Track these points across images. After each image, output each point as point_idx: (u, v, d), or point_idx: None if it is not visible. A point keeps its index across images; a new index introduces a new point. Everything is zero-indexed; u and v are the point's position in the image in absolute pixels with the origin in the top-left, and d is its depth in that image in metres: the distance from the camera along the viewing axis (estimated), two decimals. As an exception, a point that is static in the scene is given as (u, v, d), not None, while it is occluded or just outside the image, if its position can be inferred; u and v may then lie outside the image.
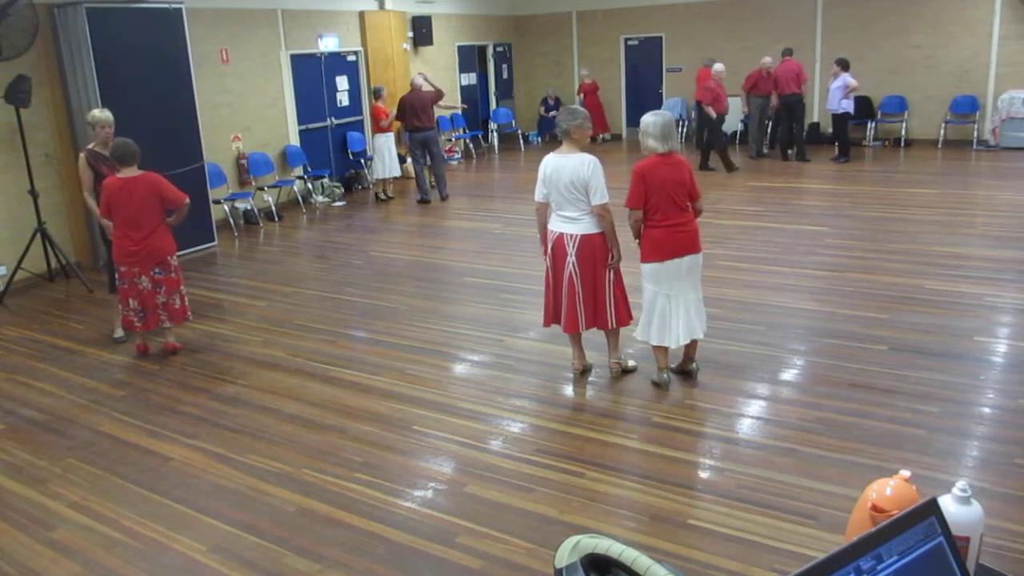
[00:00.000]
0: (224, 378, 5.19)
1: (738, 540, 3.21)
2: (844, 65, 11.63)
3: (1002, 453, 3.79)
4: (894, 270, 6.66)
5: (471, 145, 15.24)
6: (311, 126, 11.30)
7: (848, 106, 11.70)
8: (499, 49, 16.14)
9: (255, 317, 6.38)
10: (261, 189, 10.16)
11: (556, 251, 4.60)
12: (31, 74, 7.26)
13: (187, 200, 5.44)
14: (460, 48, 14.73)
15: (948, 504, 1.28)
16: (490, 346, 5.53)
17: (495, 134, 15.67)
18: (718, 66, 11.84)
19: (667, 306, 4.53)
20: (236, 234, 9.45)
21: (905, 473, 1.35)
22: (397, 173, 11.36)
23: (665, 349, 4.64)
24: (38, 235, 7.38)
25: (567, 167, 4.44)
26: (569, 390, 4.81)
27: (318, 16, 11.22)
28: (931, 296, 5.99)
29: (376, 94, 11.09)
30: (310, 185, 11.10)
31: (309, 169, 11.08)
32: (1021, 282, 6.22)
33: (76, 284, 7.54)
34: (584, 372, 4.90)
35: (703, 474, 3.79)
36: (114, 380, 5.27)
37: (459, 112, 14.23)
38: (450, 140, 14.44)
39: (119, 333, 5.91)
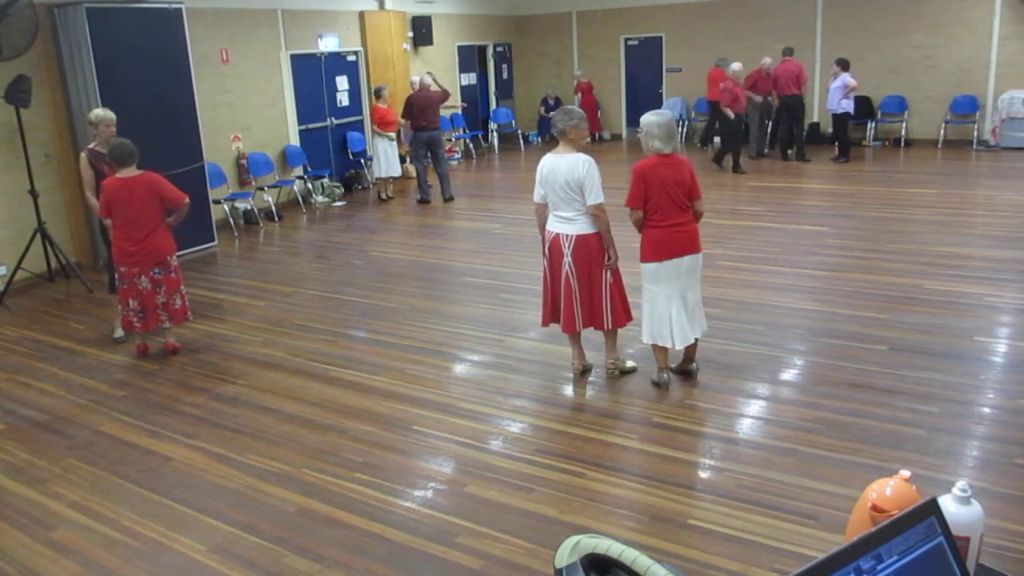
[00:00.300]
0: (224, 378, 5.19)
1: (738, 540, 3.21)
2: (844, 65, 11.63)
3: (1002, 453, 3.79)
4: (894, 270, 6.66)
5: (471, 145, 15.25)
6: (311, 126, 11.30)
7: (848, 106, 11.70)
8: (499, 49, 16.14)
9: (255, 317, 6.38)
10: (261, 189, 10.16)
11: (553, 251, 4.60)
12: (31, 74, 7.26)
13: (187, 200, 5.44)
14: (460, 48, 14.74)
15: (948, 504, 1.28)
16: (490, 346, 5.53)
17: (495, 134, 15.68)
18: (736, 65, 11.72)
19: (667, 306, 4.52)
20: (236, 234, 9.45)
21: (905, 473, 1.35)
22: (397, 173, 11.36)
23: (665, 349, 4.64)
24: (38, 235, 7.38)
25: (563, 167, 4.44)
26: (569, 390, 4.81)
27: (318, 16, 11.22)
28: (931, 296, 5.99)
29: (377, 93, 11.10)
30: (310, 185, 11.10)
31: (309, 169, 11.08)
32: (1021, 282, 6.22)
33: (76, 284, 7.54)
34: (584, 372, 4.89)
35: (703, 474, 3.79)
36: (114, 380, 5.27)
37: (459, 112, 14.24)
38: (450, 140, 14.43)
39: (119, 333, 5.91)
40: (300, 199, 10.83)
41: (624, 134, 15.93)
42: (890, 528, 1.05)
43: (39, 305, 7.03)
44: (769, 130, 12.99)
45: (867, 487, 1.36)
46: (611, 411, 4.49)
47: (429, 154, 10.61)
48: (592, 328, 4.73)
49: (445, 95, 10.71)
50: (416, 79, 11.89)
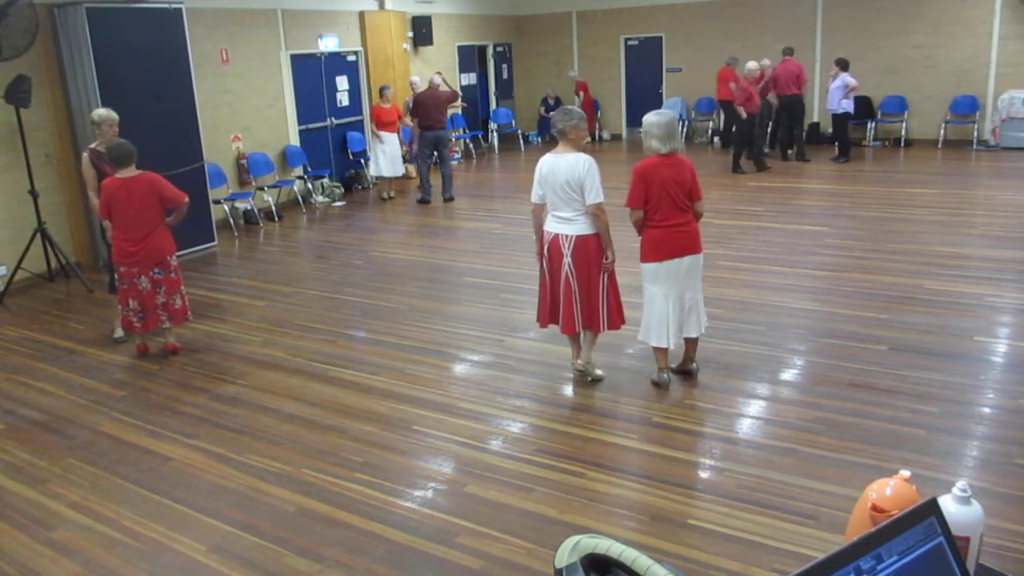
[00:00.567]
0: (224, 378, 5.19)
1: (738, 540, 3.21)
2: (844, 65, 11.63)
3: (1002, 453, 3.79)
4: (894, 270, 6.66)
5: (471, 145, 15.24)
6: (311, 126, 11.30)
7: (848, 106, 11.70)
8: (499, 49, 16.14)
9: (255, 317, 6.38)
10: (261, 189, 10.16)
11: (552, 252, 4.58)
12: (31, 74, 7.26)
13: (186, 199, 5.44)
14: (460, 48, 14.74)
15: (948, 504, 1.28)
16: (490, 346, 5.53)
17: (495, 134, 15.68)
18: (751, 64, 11.59)
19: (666, 306, 4.52)
20: (236, 234, 9.45)
21: (905, 473, 1.35)
22: (400, 173, 11.37)
23: (665, 349, 4.64)
24: (38, 235, 7.38)
25: (563, 167, 4.43)
26: (569, 390, 4.80)
27: (318, 16, 11.22)
28: (931, 296, 5.99)
29: (380, 93, 11.13)
30: (310, 185, 11.10)
31: (309, 169, 11.08)
32: (1021, 282, 6.22)
33: (76, 284, 7.54)
34: (584, 372, 4.89)
35: (703, 474, 3.79)
36: (114, 380, 5.27)
37: (459, 111, 14.24)
38: (450, 140, 14.43)
39: (119, 333, 5.91)
40: (300, 199, 10.83)
41: (624, 134, 15.93)
42: (890, 528, 1.05)
43: (39, 305, 7.03)
44: (769, 130, 12.98)
45: (867, 487, 1.36)
46: (611, 411, 4.49)
47: (435, 153, 10.62)
48: (590, 329, 4.72)
49: (454, 96, 10.76)
50: (416, 79, 11.91)
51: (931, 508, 1.10)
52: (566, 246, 4.49)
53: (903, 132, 13.19)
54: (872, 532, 1.04)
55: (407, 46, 13.06)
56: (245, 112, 10.14)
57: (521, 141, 15.77)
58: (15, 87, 7.02)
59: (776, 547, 3.16)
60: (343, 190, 11.52)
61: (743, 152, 11.67)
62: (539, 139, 15.99)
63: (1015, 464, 3.69)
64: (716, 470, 3.80)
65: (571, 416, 4.46)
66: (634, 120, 15.00)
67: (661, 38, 15.18)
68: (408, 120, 11.16)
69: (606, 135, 15.98)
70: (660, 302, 4.53)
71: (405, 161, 11.79)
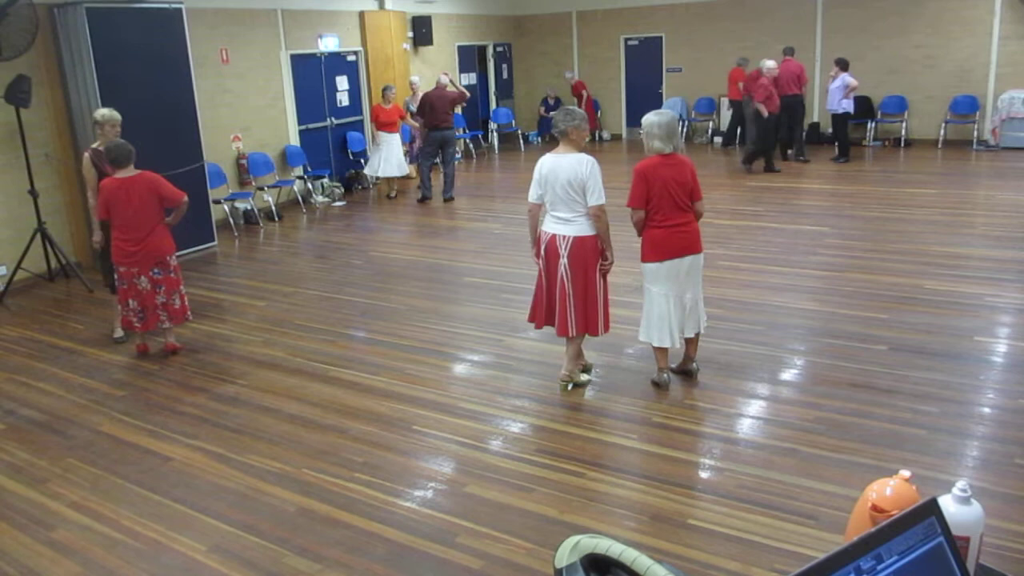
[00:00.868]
0: (224, 378, 5.19)
1: (738, 540, 3.21)
2: (843, 65, 11.62)
3: (1002, 453, 3.79)
4: (894, 270, 6.66)
5: (471, 145, 15.24)
6: (311, 126, 11.30)
7: (848, 106, 11.70)
8: (499, 49, 16.14)
9: (255, 317, 6.38)
10: (261, 189, 10.16)
11: (549, 253, 4.54)
12: (31, 74, 7.26)
13: (185, 198, 5.44)
14: (460, 48, 14.73)
15: (948, 504, 1.27)
16: (490, 346, 5.53)
17: (495, 134, 15.68)
18: (770, 63, 11.46)
19: (667, 306, 4.52)
20: (236, 234, 9.45)
21: (905, 473, 1.35)
22: (405, 172, 11.37)
23: (665, 349, 4.64)
24: (38, 235, 7.38)
25: (564, 167, 4.41)
26: (569, 390, 4.80)
27: (318, 16, 11.22)
28: (931, 296, 5.99)
29: (382, 93, 11.13)
30: (310, 185, 11.10)
31: (309, 169, 11.08)
32: (1021, 282, 6.22)
33: (76, 284, 7.54)
34: (584, 371, 4.88)
35: (703, 474, 3.79)
36: (114, 380, 5.27)
37: (459, 111, 14.23)
38: (456, 140, 14.42)
39: (119, 333, 5.91)
40: (300, 199, 10.83)
41: (624, 134, 15.93)
42: (890, 528, 1.05)
43: (39, 305, 7.03)
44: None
45: (867, 487, 1.36)
46: (611, 411, 4.49)
47: (440, 153, 10.62)
48: (588, 333, 4.67)
49: (461, 96, 10.76)
50: (416, 79, 11.93)
51: (931, 508, 1.10)
52: (563, 247, 4.46)
53: (903, 132, 13.19)
54: (872, 532, 1.04)
55: (407, 46, 13.06)
56: (245, 112, 10.14)
57: (521, 141, 15.77)
58: (15, 87, 7.02)
59: (776, 547, 3.16)
60: (343, 190, 11.52)
61: (771, 151, 11.59)
62: (539, 139, 16.00)
63: (1015, 464, 3.69)
64: (716, 470, 3.80)
65: (571, 416, 4.46)
66: (634, 120, 14.99)
67: (661, 38, 15.18)
68: (410, 119, 11.16)
69: (606, 135, 15.98)
70: (661, 302, 4.53)
71: (408, 161, 11.78)
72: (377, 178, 11.58)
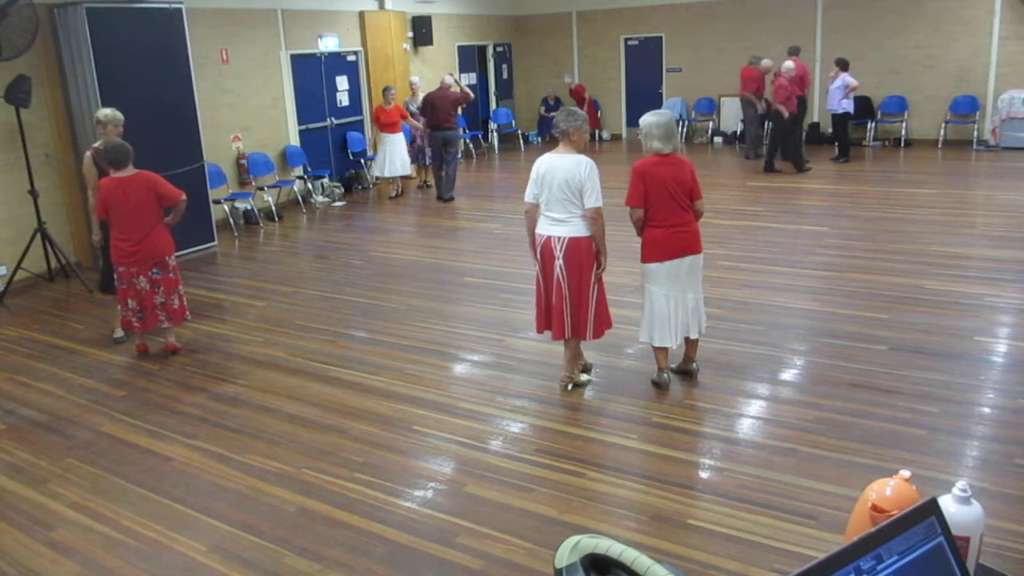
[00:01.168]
0: (224, 378, 5.19)
1: (738, 540, 3.21)
2: (843, 65, 11.61)
3: (1002, 453, 3.79)
4: (894, 270, 6.66)
5: (471, 145, 15.24)
6: (311, 126, 11.30)
7: (848, 106, 11.69)
8: (499, 49, 16.14)
9: (255, 317, 6.38)
10: (261, 189, 10.16)
11: (544, 255, 4.51)
12: (31, 74, 7.26)
13: (184, 196, 5.43)
14: (460, 48, 14.73)
15: (948, 504, 1.28)
16: (490, 346, 5.53)
17: (495, 134, 15.68)
18: (789, 63, 11.40)
19: (666, 306, 4.52)
20: (236, 234, 9.45)
21: (905, 473, 1.35)
22: (406, 172, 11.37)
23: (665, 350, 4.64)
24: (38, 235, 7.38)
25: (562, 167, 4.39)
26: (569, 390, 4.80)
27: (318, 16, 11.22)
28: (931, 296, 5.99)
29: (382, 93, 11.13)
30: (310, 185, 11.10)
31: (309, 169, 11.08)
32: (1021, 282, 6.22)
33: (76, 284, 7.53)
34: (584, 371, 4.88)
35: (703, 474, 3.79)
36: (114, 380, 5.27)
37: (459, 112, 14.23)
38: (458, 141, 14.42)
39: (119, 333, 5.91)
40: (300, 199, 10.83)
41: (624, 134, 15.93)
42: (890, 528, 1.05)
43: (39, 305, 7.03)
44: (767, 131, 12.95)
45: (867, 487, 1.36)
46: (611, 411, 4.49)
47: (442, 152, 10.63)
48: (577, 337, 4.63)
49: (465, 97, 10.74)
50: (416, 79, 11.92)
51: (931, 508, 1.10)
52: (558, 248, 4.44)
53: (903, 132, 13.19)
54: (872, 532, 1.04)
55: (407, 46, 13.05)
56: (245, 112, 10.14)
57: (521, 141, 15.77)
58: (15, 87, 7.02)
59: (776, 547, 3.16)
60: (343, 190, 11.52)
61: (791, 151, 11.54)
62: (539, 139, 15.99)
63: (1015, 464, 3.69)
64: (716, 470, 3.80)
65: (571, 416, 4.46)
66: (634, 120, 14.94)
67: (661, 38, 15.18)
68: (412, 119, 11.16)
69: (606, 135, 15.98)
70: (661, 302, 4.52)
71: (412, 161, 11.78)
72: (378, 178, 11.57)
